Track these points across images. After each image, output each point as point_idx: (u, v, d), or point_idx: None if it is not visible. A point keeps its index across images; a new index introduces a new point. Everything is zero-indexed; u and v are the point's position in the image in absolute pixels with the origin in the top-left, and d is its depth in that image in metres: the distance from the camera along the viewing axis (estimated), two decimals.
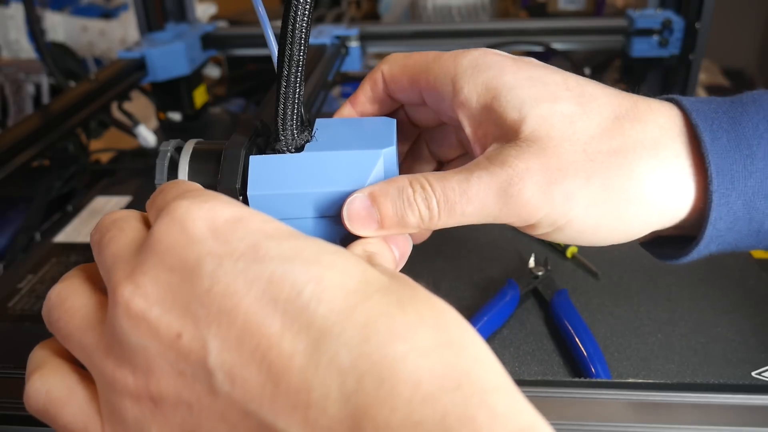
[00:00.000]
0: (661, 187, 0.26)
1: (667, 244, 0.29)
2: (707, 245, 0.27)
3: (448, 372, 0.17)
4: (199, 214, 0.21)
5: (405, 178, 0.27)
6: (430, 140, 0.35)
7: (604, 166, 0.25)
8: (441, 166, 0.35)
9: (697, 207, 0.26)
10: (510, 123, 0.26)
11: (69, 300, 0.22)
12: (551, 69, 0.28)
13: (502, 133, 0.27)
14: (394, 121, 0.32)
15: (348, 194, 0.28)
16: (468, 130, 0.28)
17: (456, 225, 0.27)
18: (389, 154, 0.29)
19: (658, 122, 0.26)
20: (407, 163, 0.35)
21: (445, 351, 0.18)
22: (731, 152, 0.25)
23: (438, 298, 0.20)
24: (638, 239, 0.29)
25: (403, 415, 0.17)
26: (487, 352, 0.19)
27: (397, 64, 0.31)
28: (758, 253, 0.47)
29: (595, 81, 0.28)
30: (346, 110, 0.34)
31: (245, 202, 0.29)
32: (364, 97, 0.33)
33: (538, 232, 0.27)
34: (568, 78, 0.27)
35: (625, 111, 0.27)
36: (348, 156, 0.29)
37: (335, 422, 0.17)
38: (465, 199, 0.26)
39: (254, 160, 0.29)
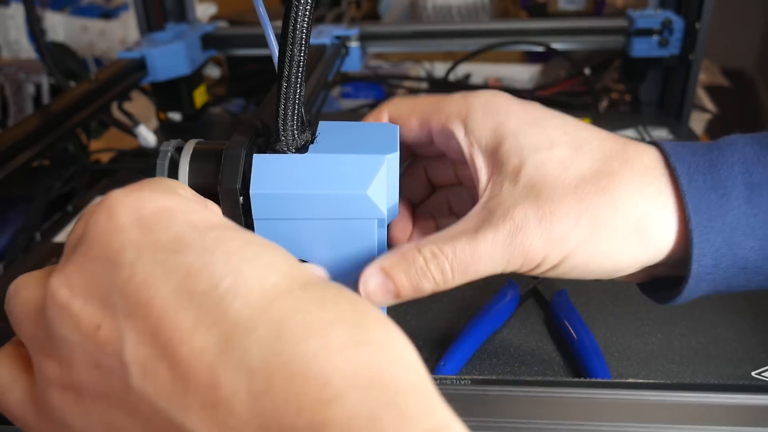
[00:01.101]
0: (645, 221, 0.28)
1: (662, 287, 0.31)
2: (697, 283, 0.28)
3: (360, 371, 0.17)
4: (126, 202, 0.21)
5: (414, 248, 0.28)
6: (428, 165, 0.36)
7: (592, 205, 0.27)
8: (433, 190, 0.37)
9: (681, 243, 0.28)
10: (512, 167, 0.29)
11: (23, 291, 0.23)
12: (551, 113, 0.30)
13: (504, 174, 0.29)
14: (397, 127, 0.32)
15: (350, 198, 0.28)
16: (475, 167, 0.30)
17: (468, 281, 0.28)
18: (392, 159, 0.29)
19: (644, 162, 0.28)
20: (403, 181, 0.36)
21: (361, 349, 0.18)
22: (707, 192, 0.27)
23: (364, 300, 0.20)
24: (630, 276, 0.30)
25: (308, 417, 0.16)
26: (407, 352, 0.19)
27: (405, 106, 0.33)
28: None
29: (591, 126, 0.30)
30: None
31: (247, 201, 0.29)
32: None
33: (535, 273, 0.29)
34: (567, 123, 0.30)
35: (615, 153, 0.29)
36: (352, 159, 0.29)
37: (242, 422, 0.17)
38: (476, 259, 0.27)
39: (258, 158, 0.29)
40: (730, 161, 0.28)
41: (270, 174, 0.29)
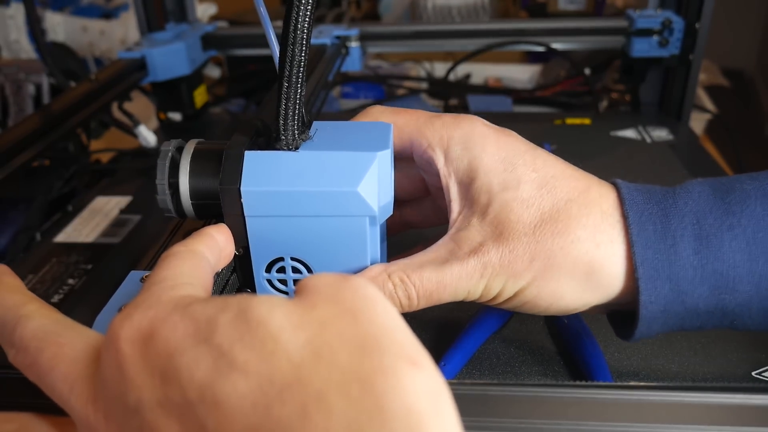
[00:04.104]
0: (594, 266, 0.29)
1: (623, 321, 0.32)
2: (649, 326, 0.30)
3: None
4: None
5: (383, 272, 0.30)
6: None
7: (546, 246, 0.29)
8: (397, 203, 0.38)
9: (630, 289, 0.30)
10: (481, 205, 0.31)
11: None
12: (524, 148, 0.31)
13: (473, 210, 0.31)
14: (391, 126, 0.32)
15: (341, 195, 0.28)
16: (450, 197, 0.32)
17: (430, 306, 0.31)
18: (384, 157, 0.29)
19: (602, 208, 0.30)
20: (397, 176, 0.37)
21: None
22: (656, 242, 0.29)
23: None
24: (582, 311, 0.32)
25: None
26: None
27: (386, 119, 0.33)
28: None
29: (560, 161, 0.32)
30: None
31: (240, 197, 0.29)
32: None
33: (494, 303, 0.32)
34: (537, 158, 0.31)
35: (577, 194, 0.30)
36: (343, 157, 0.29)
37: None
38: (441, 288, 0.30)
39: (249, 155, 0.29)
40: (683, 211, 0.29)
41: (261, 171, 0.29)
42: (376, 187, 0.29)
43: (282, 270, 0.31)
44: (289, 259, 0.31)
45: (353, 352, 0.18)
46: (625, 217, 0.29)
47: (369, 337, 0.19)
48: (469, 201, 0.31)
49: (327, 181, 0.28)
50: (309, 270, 0.31)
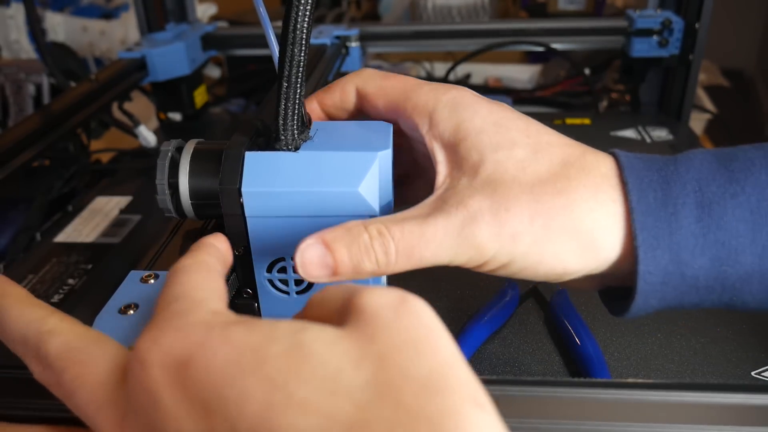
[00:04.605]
0: (597, 226, 0.28)
1: (617, 298, 0.30)
2: (646, 300, 0.28)
3: None
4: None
5: (360, 224, 0.27)
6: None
7: (547, 206, 0.27)
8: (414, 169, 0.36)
9: (628, 257, 0.28)
10: (471, 163, 0.28)
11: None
12: (516, 115, 0.30)
13: (463, 170, 0.29)
14: (391, 126, 0.32)
15: (342, 195, 0.28)
16: (436, 159, 0.30)
17: (410, 269, 0.27)
18: (385, 156, 0.29)
19: (601, 170, 0.28)
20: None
21: None
22: (657, 210, 0.27)
23: None
24: (579, 282, 0.30)
25: None
26: None
27: (374, 84, 0.32)
28: None
29: (553, 130, 0.30)
30: (314, 107, 0.34)
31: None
32: (331, 101, 0.33)
33: (484, 270, 0.29)
34: (530, 125, 0.30)
35: (574, 159, 0.29)
36: (344, 157, 0.29)
37: None
38: (423, 242, 0.27)
39: (250, 156, 0.29)
40: (684, 178, 0.28)
41: (262, 172, 0.29)
42: (376, 186, 0.29)
43: (283, 270, 0.31)
44: (290, 259, 0.31)
45: (418, 391, 0.18)
46: (624, 183, 0.28)
47: (433, 374, 0.18)
48: (457, 162, 0.29)
49: (328, 181, 0.28)
50: None
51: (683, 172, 0.28)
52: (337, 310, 0.21)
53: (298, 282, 0.32)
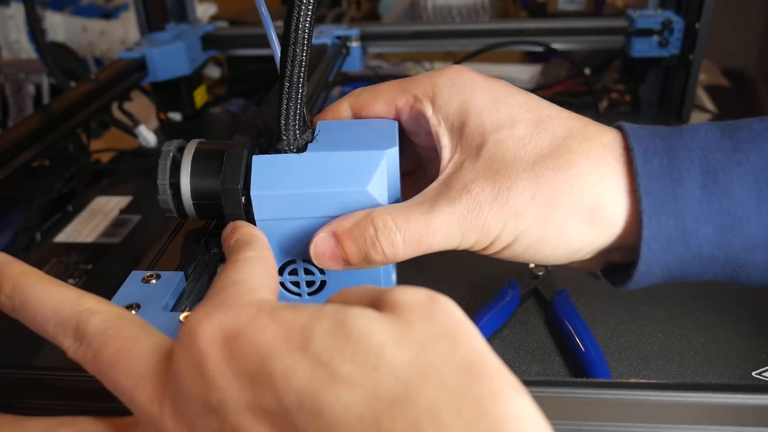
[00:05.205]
0: (600, 201, 0.27)
1: (619, 271, 0.30)
2: (649, 268, 0.28)
3: None
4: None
5: (368, 216, 0.28)
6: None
7: (549, 181, 0.27)
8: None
9: (633, 226, 0.28)
10: (474, 146, 0.29)
11: None
12: (516, 91, 0.30)
13: (466, 152, 0.29)
14: (396, 123, 0.32)
15: (352, 194, 0.28)
16: (440, 144, 0.30)
17: (419, 255, 0.28)
18: (392, 154, 0.29)
19: (603, 141, 0.28)
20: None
21: None
22: (662, 176, 0.27)
23: None
24: (585, 263, 0.30)
25: None
26: None
27: (366, 94, 0.33)
28: None
29: (554, 104, 0.30)
30: None
31: (248, 201, 0.29)
32: None
33: (491, 252, 0.29)
34: (530, 99, 0.30)
35: (576, 131, 0.29)
36: (351, 156, 0.29)
37: None
38: (430, 231, 0.27)
39: (257, 159, 0.29)
40: (690, 146, 0.27)
41: (270, 174, 0.29)
42: (385, 185, 0.29)
43: (294, 272, 0.31)
44: (301, 261, 0.31)
45: (460, 374, 0.18)
46: (629, 149, 0.28)
47: (473, 361, 0.19)
48: (460, 145, 0.29)
49: (336, 181, 0.28)
50: (321, 272, 0.31)
51: (688, 140, 0.28)
52: (366, 306, 0.21)
53: (310, 283, 0.32)
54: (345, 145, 0.30)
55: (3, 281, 0.25)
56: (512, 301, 0.42)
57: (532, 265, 0.45)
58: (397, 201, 0.30)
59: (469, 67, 0.31)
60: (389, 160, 0.29)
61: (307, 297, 0.32)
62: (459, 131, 0.29)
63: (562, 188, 0.27)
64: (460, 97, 0.30)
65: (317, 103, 0.56)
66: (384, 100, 0.32)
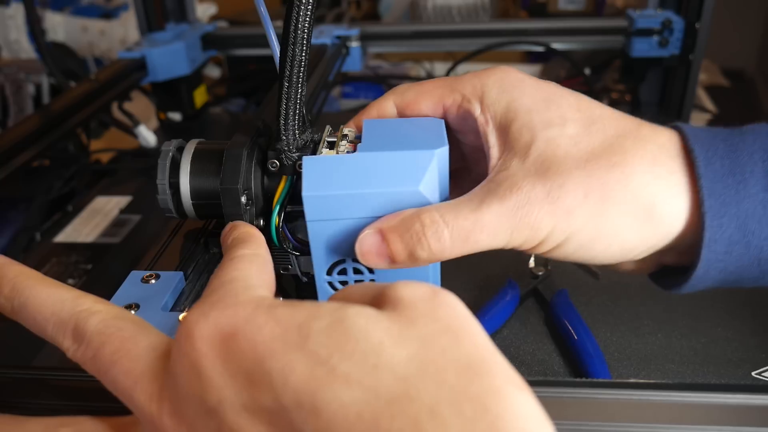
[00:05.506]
0: (655, 198, 0.27)
1: (671, 274, 0.29)
2: (707, 270, 0.27)
3: None
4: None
5: (415, 213, 0.27)
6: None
7: (602, 180, 0.27)
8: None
9: (692, 227, 0.27)
10: (522, 143, 0.28)
11: None
12: (566, 91, 0.30)
13: (515, 150, 0.28)
14: (443, 121, 0.32)
15: (403, 194, 0.28)
16: (488, 144, 0.30)
17: (467, 253, 0.27)
18: (442, 153, 0.29)
19: (658, 142, 0.28)
20: None
21: None
22: (724, 177, 0.26)
23: None
24: (638, 264, 0.30)
25: None
26: None
27: (412, 92, 0.32)
28: None
29: (605, 105, 0.30)
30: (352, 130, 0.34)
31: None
32: None
33: (540, 251, 0.28)
34: (581, 100, 0.29)
35: (628, 131, 0.28)
36: (402, 156, 0.29)
37: None
38: (479, 228, 0.27)
39: (308, 160, 0.29)
40: (752, 148, 0.27)
41: (321, 175, 0.28)
42: (436, 184, 0.29)
43: (344, 272, 0.31)
44: (351, 260, 0.30)
45: (461, 371, 0.18)
46: (688, 150, 0.27)
47: (475, 358, 0.19)
48: (509, 144, 0.29)
49: (387, 181, 0.28)
50: (370, 271, 0.31)
51: (750, 141, 0.27)
52: (368, 303, 0.21)
53: (358, 283, 0.31)
54: (395, 144, 0.29)
55: (2, 283, 0.25)
56: (512, 301, 0.42)
57: (532, 265, 0.45)
58: (446, 200, 0.30)
59: (514, 68, 0.31)
60: (440, 159, 0.29)
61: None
62: (507, 130, 0.29)
63: (616, 186, 0.27)
64: (509, 96, 0.29)
65: (317, 103, 0.56)
66: (431, 99, 0.32)
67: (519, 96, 0.29)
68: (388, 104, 0.33)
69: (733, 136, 0.28)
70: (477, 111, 0.30)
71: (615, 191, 0.27)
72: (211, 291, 0.23)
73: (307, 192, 0.28)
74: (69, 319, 0.23)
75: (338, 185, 0.28)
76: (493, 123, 0.30)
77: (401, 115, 0.33)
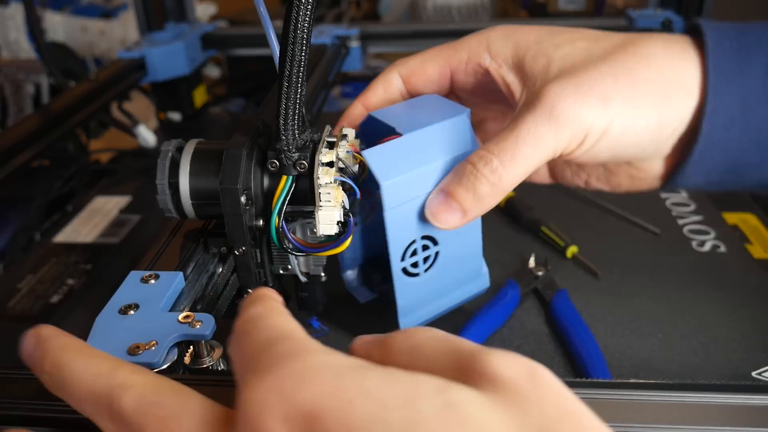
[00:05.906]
0: (676, 72, 0.29)
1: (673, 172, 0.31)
2: (708, 148, 0.29)
3: None
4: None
5: (464, 161, 0.30)
6: None
7: (626, 65, 0.28)
8: None
9: (699, 105, 0.28)
10: (540, 66, 0.30)
11: None
12: (565, 28, 0.32)
13: (534, 75, 0.30)
14: (438, 95, 0.35)
15: (462, 157, 0.31)
16: (506, 83, 0.32)
17: (524, 175, 0.29)
18: (469, 115, 0.33)
19: (666, 35, 0.30)
20: None
21: None
22: (731, 56, 0.28)
23: None
24: (657, 160, 0.31)
25: None
26: None
27: (415, 61, 0.34)
28: (758, 253, 0.47)
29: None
30: (358, 110, 0.35)
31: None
32: (376, 98, 0.34)
33: (586, 147, 0.29)
34: (581, 30, 0.32)
35: (635, 36, 0.30)
36: (446, 125, 0.32)
37: None
38: (521, 142, 0.28)
39: (369, 153, 0.30)
40: (758, 33, 0.29)
41: (388, 162, 0.30)
42: (477, 141, 0.32)
43: (414, 253, 0.33)
44: (420, 239, 0.33)
45: None
46: (699, 33, 0.29)
47: None
48: (526, 74, 0.31)
49: (446, 150, 0.31)
50: (434, 243, 0.33)
51: (759, 29, 0.29)
52: (450, 370, 0.18)
53: (425, 259, 0.34)
54: (431, 119, 0.32)
55: (44, 358, 0.23)
56: (512, 301, 0.42)
57: (531, 265, 0.45)
58: None
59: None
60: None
61: (423, 274, 0.34)
62: (522, 63, 0.31)
63: (640, 68, 0.28)
64: (514, 39, 0.31)
65: (316, 103, 0.56)
66: (437, 62, 0.33)
67: (524, 36, 0.31)
68: (392, 76, 0.34)
69: (745, 25, 0.29)
70: (487, 60, 0.32)
71: (640, 72, 0.28)
72: (258, 357, 0.18)
73: (384, 181, 0.30)
74: (104, 396, 0.20)
75: (406, 166, 0.30)
76: (506, 65, 0.32)
77: (407, 84, 0.35)
